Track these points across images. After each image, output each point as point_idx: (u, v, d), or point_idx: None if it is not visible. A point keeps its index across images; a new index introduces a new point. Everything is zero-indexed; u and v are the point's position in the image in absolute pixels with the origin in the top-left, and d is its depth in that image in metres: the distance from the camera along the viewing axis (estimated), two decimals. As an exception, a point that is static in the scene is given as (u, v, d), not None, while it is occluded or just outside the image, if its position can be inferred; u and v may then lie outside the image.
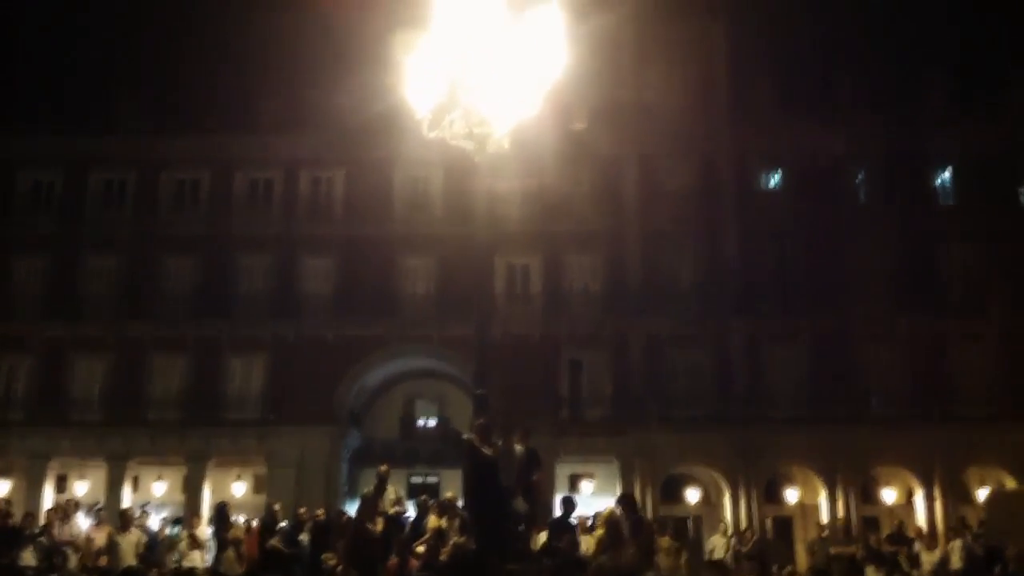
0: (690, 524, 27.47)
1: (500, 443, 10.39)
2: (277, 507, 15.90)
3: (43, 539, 13.99)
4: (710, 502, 27.97)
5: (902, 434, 25.46)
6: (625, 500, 12.53)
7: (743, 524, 24.10)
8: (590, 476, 27.64)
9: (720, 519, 23.68)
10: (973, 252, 27.29)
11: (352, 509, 18.33)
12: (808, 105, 28.42)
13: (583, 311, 27.92)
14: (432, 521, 11.81)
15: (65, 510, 15.78)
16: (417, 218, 28.47)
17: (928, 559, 16.88)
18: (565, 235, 27.90)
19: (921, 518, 25.29)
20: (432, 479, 28.15)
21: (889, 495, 26.97)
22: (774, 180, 29.43)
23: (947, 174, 28.91)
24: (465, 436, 8.76)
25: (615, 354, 27.76)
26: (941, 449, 25.55)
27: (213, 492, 27.21)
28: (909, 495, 27.01)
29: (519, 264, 28.28)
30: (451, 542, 10.42)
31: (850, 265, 27.28)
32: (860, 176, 28.85)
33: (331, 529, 13.37)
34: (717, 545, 17.70)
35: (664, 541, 16.81)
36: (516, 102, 6.81)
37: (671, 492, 27.67)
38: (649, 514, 22.57)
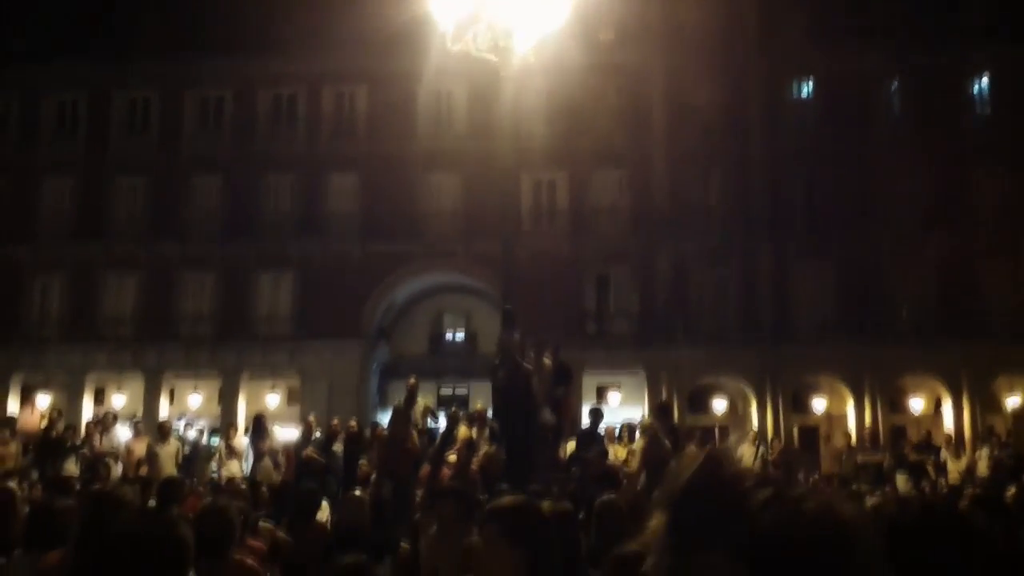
0: (717, 434, 27.75)
1: (532, 356, 10.50)
2: (311, 418, 16.23)
3: (85, 450, 14.42)
4: (737, 412, 28.19)
5: (931, 346, 25.35)
6: (661, 411, 12.70)
7: (770, 434, 24.32)
8: (617, 387, 27.88)
9: (747, 429, 23.87)
10: (1006, 170, 26.63)
11: (383, 420, 18.70)
12: (842, 18, 27.49)
13: (609, 228, 27.75)
14: (462, 432, 12.03)
15: (104, 422, 16.20)
16: (441, 134, 28.21)
17: (955, 467, 16.98)
18: (591, 151, 27.54)
19: (949, 427, 25.35)
20: (461, 391, 28.54)
21: (917, 404, 27.02)
22: (805, 95, 28.73)
23: (983, 89, 28.07)
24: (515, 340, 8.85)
25: (641, 271, 27.70)
26: (970, 359, 25.43)
27: (248, 404, 27.84)
28: (937, 405, 27.06)
29: (545, 180, 28.06)
30: (482, 452, 10.63)
31: (880, 183, 26.78)
32: (893, 91, 28.08)
33: (363, 440, 13.66)
34: (744, 454, 17.86)
35: (690, 450, 17.04)
36: (541, 14, 6.62)
37: (698, 403, 27.90)
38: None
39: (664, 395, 26.21)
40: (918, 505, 3.98)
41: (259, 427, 14.01)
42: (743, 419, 27.24)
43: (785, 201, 27.22)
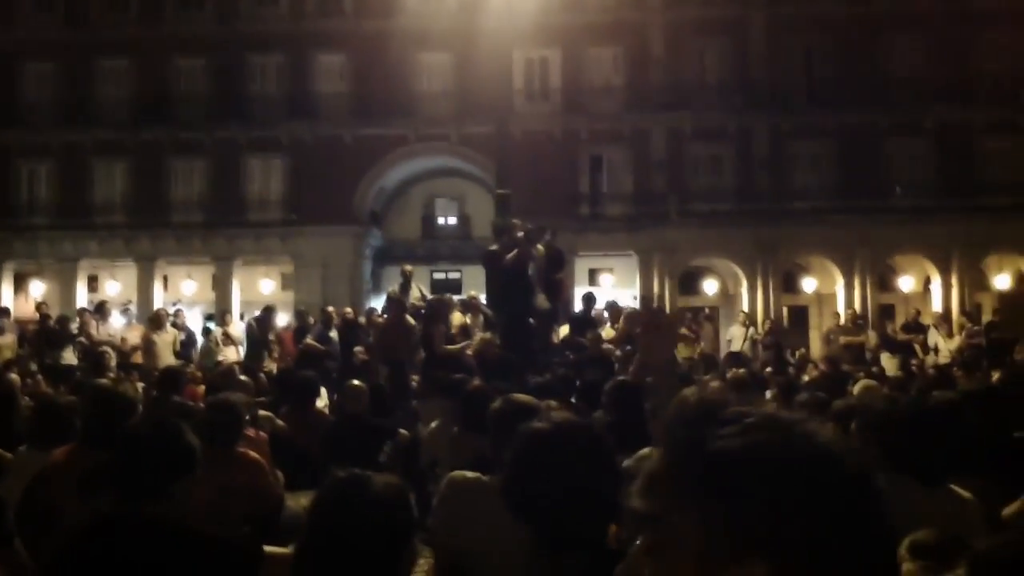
0: (707, 314, 28.06)
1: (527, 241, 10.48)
2: (303, 309, 16.33)
3: (82, 339, 14.52)
4: (728, 294, 28.45)
5: (923, 224, 25.36)
6: (643, 301, 12.84)
7: (760, 314, 24.61)
8: (609, 270, 28.03)
9: (737, 310, 24.12)
10: (1008, 42, 26.08)
11: (376, 306, 18.82)
12: None
13: (604, 106, 27.31)
14: (456, 318, 12.11)
15: (102, 311, 16.26)
16: (431, 11, 27.36)
17: (945, 347, 17.23)
18: (585, 27, 26.84)
19: (937, 306, 25.65)
20: (454, 275, 28.66)
21: (906, 283, 27.25)
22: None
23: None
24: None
25: (636, 150, 27.44)
26: (961, 237, 25.51)
27: (242, 290, 27.96)
28: (926, 283, 27.31)
29: (538, 58, 27.42)
30: (477, 338, 10.72)
31: (879, 56, 26.28)
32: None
33: (359, 326, 13.77)
34: (735, 335, 18.15)
35: (682, 331, 17.26)
36: None
37: (689, 285, 28.10)
38: (668, 306, 23.01)
39: (656, 278, 26.38)
40: (908, 401, 4.06)
41: (267, 319, 14.11)
42: (734, 300, 27.50)
43: (783, 75, 26.77)
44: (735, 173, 27.29)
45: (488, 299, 11.94)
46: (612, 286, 26.54)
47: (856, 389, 7.80)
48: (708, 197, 26.92)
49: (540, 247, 11.56)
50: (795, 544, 0.98)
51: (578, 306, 14.30)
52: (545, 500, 2.02)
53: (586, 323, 12.19)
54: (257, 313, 16.16)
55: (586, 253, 26.78)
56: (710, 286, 28.45)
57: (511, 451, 2.19)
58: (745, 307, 24.71)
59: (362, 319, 14.56)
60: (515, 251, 10.37)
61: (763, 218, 26.06)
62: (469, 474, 3.48)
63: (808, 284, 27.78)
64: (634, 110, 27.07)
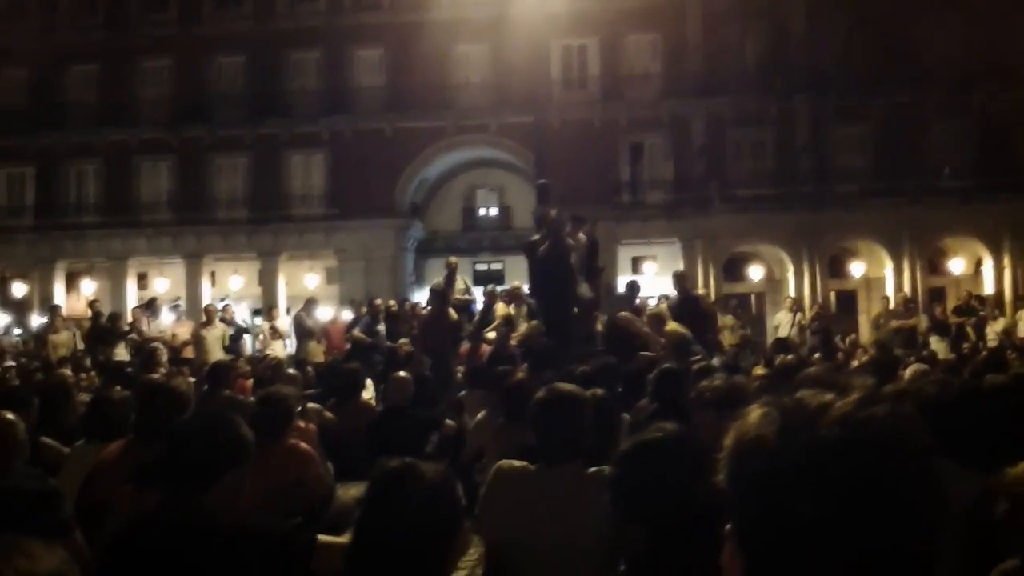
0: (753, 301, 27.81)
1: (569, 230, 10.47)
2: (353, 300, 16.48)
3: (134, 335, 14.79)
4: (773, 279, 28.13)
5: (972, 205, 24.86)
6: (678, 279, 12.77)
7: (807, 300, 24.32)
8: (652, 258, 27.85)
9: (784, 295, 23.85)
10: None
11: (419, 298, 18.93)
12: None
13: (642, 94, 27.11)
14: (500, 309, 12.14)
15: (152, 308, 16.55)
16: (467, 1, 27.34)
17: (993, 328, 16.90)
18: (622, 14, 26.65)
19: (989, 288, 25.13)
20: (496, 266, 28.72)
21: (957, 265, 26.73)
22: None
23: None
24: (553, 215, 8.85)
25: (676, 137, 27.21)
26: (1012, 218, 24.97)
27: (287, 285, 28.30)
28: (977, 265, 26.77)
29: (576, 46, 27.30)
30: (521, 328, 10.74)
31: (922, 37, 25.69)
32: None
33: (403, 318, 13.86)
34: (781, 321, 17.94)
35: (727, 320, 17.13)
36: None
37: (734, 271, 27.84)
38: (712, 293, 22.81)
39: (700, 264, 26.18)
40: (957, 384, 3.97)
41: (310, 309, 14.27)
42: (780, 286, 27.19)
43: (823, 58, 26.33)
44: (776, 158, 26.95)
45: (531, 289, 11.94)
46: (655, 274, 26.37)
47: (907, 374, 7.67)
48: (750, 182, 26.63)
49: (581, 236, 11.54)
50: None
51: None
52: (650, 502, 2.24)
53: (630, 311, 12.11)
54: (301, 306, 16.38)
55: (628, 241, 26.66)
56: (755, 272, 28.14)
57: (619, 458, 2.43)
58: (792, 292, 24.44)
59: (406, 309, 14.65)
60: (546, 241, 10.36)
61: (806, 202, 25.72)
62: (516, 463, 3.49)
63: (856, 268, 27.37)
64: (673, 97, 26.84)
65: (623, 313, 9.39)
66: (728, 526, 1.05)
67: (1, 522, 2.77)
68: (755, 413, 1.04)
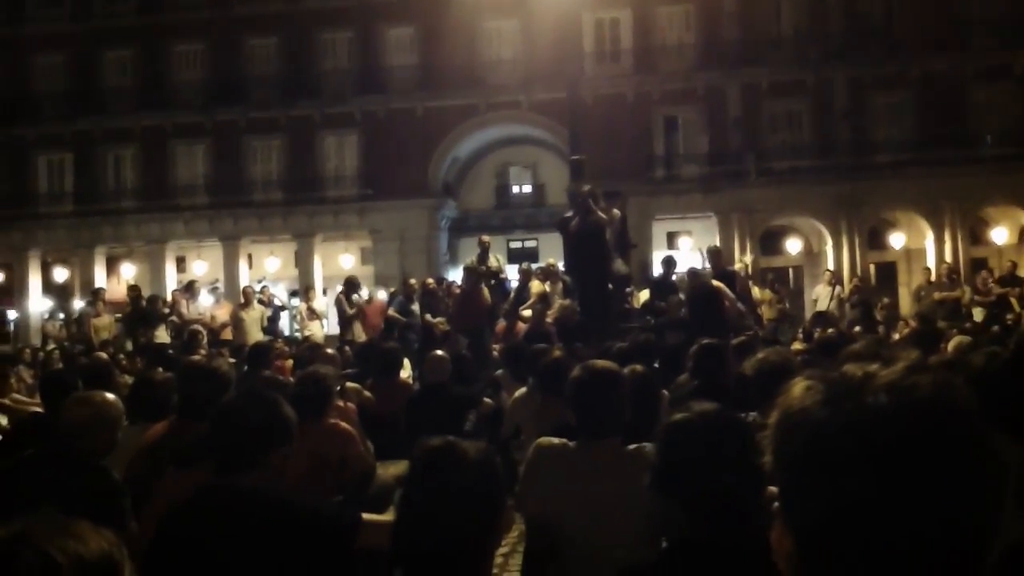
0: (791, 275, 27.54)
1: (603, 205, 10.41)
2: (389, 280, 16.54)
3: (174, 318, 14.99)
4: (811, 252, 27.81)
5: (1015, 173, 24.32)
6: (712, 254, 12.65)
7: (846, 272, 24.03)
8: (688, 233, 27.66)
9: (822, 269, 23.57)
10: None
11: (454, 276, 18.97)
12: None
13: (676, 66, 26.79)
14: (536, 286, 12.12)
15: (192, 290, 16.75)
16: (497, -23, 27.14)
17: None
18: (655, -17, 26.33)
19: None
20: (530, 243, 28.70)
21: (1000, 235, 26.24)
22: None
23: None
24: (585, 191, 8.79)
25: (711, 109, 26.89)
26: (1057, 185, 24.42)
27: (323, 266, 28.50)
28: (1021, 234, 26.24)
29: (607, 19, 27.03)
30: (556, 305, 10.72)
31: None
32: None
33: (439, 296, 13.91)
34: (820, 295, 17.74)
35: (765, 294, 16.98)
36: None
37: (771, 244, 27.56)
38: (749, 268, 22.60)
39: (737, 238, 25.94)
40: (1004, 355, 3.88)
41: (352, 289, 14.37)
42: (818, 259, 26.88)
43: (860, 25, 25.84)
44: (814, 128, 26.56)
45: (566, 266, 11.91)
46: (691, 249, 26.19)
47: (951, 346, 7.55)
48: (787, 154, 26.28)
49: (615, 211, 11.46)
50: (812, 518, 0.95)
51: (657, 270, 14.15)
52: (691, 483, 2.24)
53: (666, 287, 12.05)
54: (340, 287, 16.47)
55: (663, 216, 26.49)
56: (793, 245, 27.84)
57: (659, 438, 2.42)
58: (830, 265, 24.14)
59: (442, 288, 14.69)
60: (575, 217, 10.31)
61: (844, 173, 25.34)
62: (555, 440, 3.49)
63: (896, 240, 26.96)
64: (707, 68, 26.50)
65: (715, 282, 9.19)
66: (775, 504, 1.03)
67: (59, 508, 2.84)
68: (799, 386, 1.02)
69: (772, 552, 1.04)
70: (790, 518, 0.99)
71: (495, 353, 10.34)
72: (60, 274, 29.48)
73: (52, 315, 28.04)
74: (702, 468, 2.22)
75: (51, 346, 15.98)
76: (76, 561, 1.10)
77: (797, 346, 10.39)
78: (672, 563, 2.27)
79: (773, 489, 1.04)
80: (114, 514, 3.29)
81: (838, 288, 17.76)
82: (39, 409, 5.77)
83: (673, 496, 2.29)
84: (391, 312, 13.32)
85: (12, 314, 29.30)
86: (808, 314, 18.69)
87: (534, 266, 14.33)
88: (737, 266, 15.91)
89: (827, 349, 5.77)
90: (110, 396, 3.88)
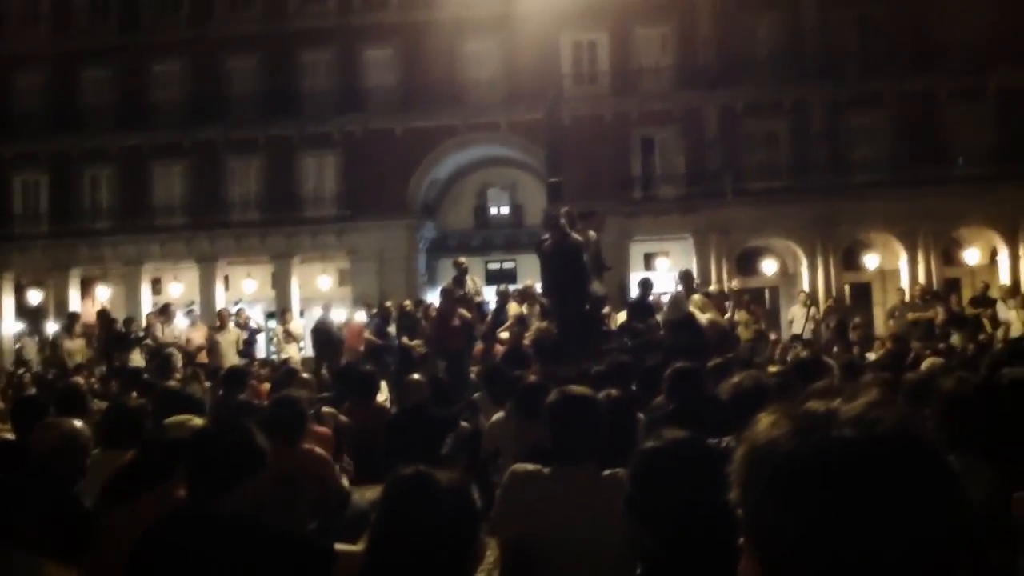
0: (767, 296, 27.71)
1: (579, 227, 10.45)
2: (367, 302, 16.48)
3: (148, 341, 14.86)
4: (787, 273, 28.02)
5: (988, 193, 24.62)
6: (683, 277, 12.74)
7: (821, 293, 24.21)
8: (665, 254, 27.79)
9: (798, 289, 23.75)
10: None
11: (432, 299, 18.95)
12: None
13: (654, 87, 27.02)
14: (513, 308, 12.13)
15: (167, 313, 16.63)
16: (475, -1, 27.34)
17: (1018, 319, 16.69)
18: (633, 7, 26.57)
19: (1005, 278, 24.94)
20: (508, 264, 28.71)
21: (972, 256, 26.55)
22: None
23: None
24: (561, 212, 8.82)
25: (688, 130, 27.11)
26: (1028, 205, 24.74)
27: (300, 287, 28.36)
28: (993, 255, 26.57)
29: (585, 41, 27.25)
30: (533, 327, 10.73)
31: (935, 20, 25.51)
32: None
33: (415, 319, 13.87)
34: (796, 315, 17.88)
35: (741, 315, 17.06)
36: None
37: (747, 265, 27.74)
38: (724, 289, 22.73)
39: (713, 259, 26.09)
40: (975, 378, 3.94)
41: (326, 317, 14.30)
42: (794, 280, 27.08)
43: (836, 45, 26.18)
44: (791, 149, 26.82)
45: (543, 287, 11.93)
46: (668, 270, 26.30)
47: (924, 366, 7.63)
48: (764, 174, 26.51)
49: (591, 232, 11.51)
50: (779, 549, 0.98)
51: (635, 291, 14.20)
52: (664, 511, 2.27)
53: (644, 309, 12.10)
54: (321, 314, 16.38)
55: (641, 237, 26.62)
56: (769, 266, 28.04)
57: (631, 468, 2.44)
58: (806, 287, 24.34)
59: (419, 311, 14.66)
60: (560, 239, 10.34)
61: (821, 193, 25.58)
62: (530, 466, 3.50)
63: (870, 260, 27.23)
64: (685, 89, 26.74)
65: (696, 298, 9.22)
66: (742, 538, 1.05)
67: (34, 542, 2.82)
68: (765, 420, 1.05)
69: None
70: (758, 548, 1.01)
71: (473, 376, 10.33)
72: (34, 296, 29.15)
73: (23, 338, 27.67)
74: (673, 496, 2.23)
75: (21, 370, 15.77)
76: None
77: (773, 369, 10.44)
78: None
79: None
80: (83, 541, 3.26)
81: (813, 309, 17.91)
82: (10, 435, 5.70)
83: (646, 523, 2.30)
84: (366, 334, 13.28)
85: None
86: (784, 335, 18.79)
87: (512, 288, 14.36)
88: (713, 287, 16.00)
89: (802, 372, 5.80)
90: (78, 423, 3.85)
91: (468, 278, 13.42)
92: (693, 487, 2.23)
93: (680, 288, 12.11)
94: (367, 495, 5.19)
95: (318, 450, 4.91)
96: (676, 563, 2.22)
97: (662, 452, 2.38)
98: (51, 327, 24.48)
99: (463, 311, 11.62)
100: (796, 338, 16.03)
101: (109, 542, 3.09)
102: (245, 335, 15.34)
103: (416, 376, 7.38)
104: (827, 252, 26.16)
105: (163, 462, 3.31)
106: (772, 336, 17.74)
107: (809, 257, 26.34)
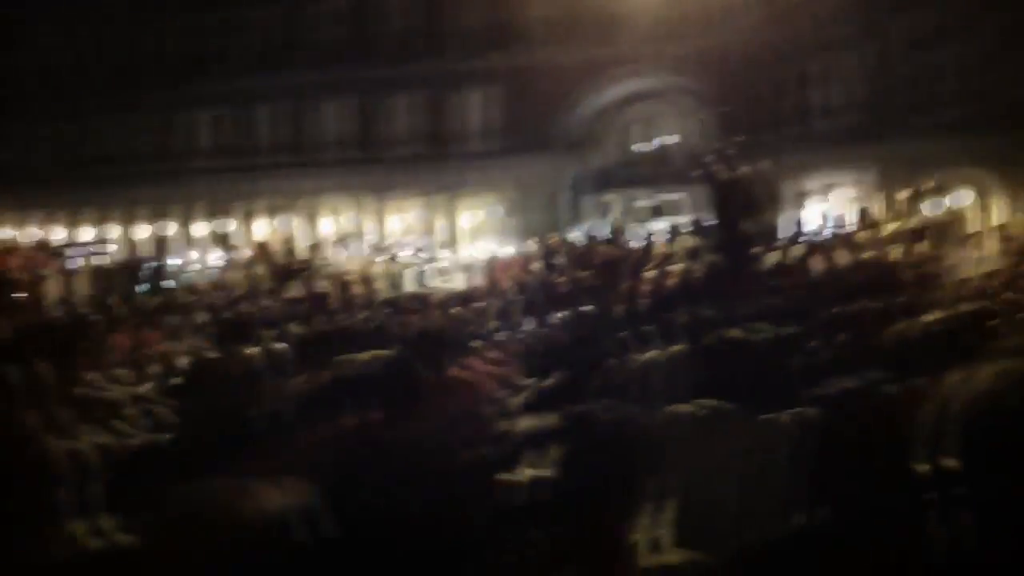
0: (942, 232, 25.84)
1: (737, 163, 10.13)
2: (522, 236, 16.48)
3: (311, 272, 15.50)
4: (977, 207, 25.93)
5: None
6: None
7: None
8: (836, 187, 26.26)
9: (987, 225, 21.92)
10: None
11: (578, 235, 18.86)
12: None
13: (828, 9, 25.30)
14: (661, 247, 11.92)
15: (331, 244, 17.24)
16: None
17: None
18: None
19: None
20: (658, 201, 28.16)
21: None
22: None
23: None
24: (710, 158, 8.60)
25: (864, 56, 25.33)
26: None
27: (453, 222, 28.83)
28: None
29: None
30: (683, 265, 10.51)
31: None
32: None
33: (566, 255, 13.88)
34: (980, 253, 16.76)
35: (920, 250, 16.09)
36: None
37: (919, 202, 25.90)
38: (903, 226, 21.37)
39: (888, 194, 24.45)
40: None
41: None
42: (985, 213, 24.99)
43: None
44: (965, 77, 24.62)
45: (695, 224, 11.66)
46: (839, 206, 24.95)
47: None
48: (948, 102, 24.37)
49: (748, 168, 11.12)
50: None
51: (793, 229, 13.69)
52: None
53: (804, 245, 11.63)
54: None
55: (807, 171, 25.38)
56: (953, 200, 25.90)
57: None
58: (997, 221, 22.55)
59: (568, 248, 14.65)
60: (714, 173, 10.06)
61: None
62: (687, 406, 3.43)
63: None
64: (860, 10, 24.92)
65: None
66: None
67: None
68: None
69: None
70: None
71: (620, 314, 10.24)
72: (214, 227, 30.28)
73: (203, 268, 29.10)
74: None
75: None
76: None
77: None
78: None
79: None
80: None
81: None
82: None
83: None
84: (529, 268, 13.39)
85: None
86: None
87: (660, 225, 14.11)
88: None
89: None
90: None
91: (614, 215, 13.30)
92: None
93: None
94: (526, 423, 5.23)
95: (472, 374, 5.00)
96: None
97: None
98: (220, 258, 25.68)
99: (608, 249, 11.53)
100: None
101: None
102: (403, 268, 15.78)
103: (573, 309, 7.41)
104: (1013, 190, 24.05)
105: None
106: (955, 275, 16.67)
107: (1002, 188, 24.13)
